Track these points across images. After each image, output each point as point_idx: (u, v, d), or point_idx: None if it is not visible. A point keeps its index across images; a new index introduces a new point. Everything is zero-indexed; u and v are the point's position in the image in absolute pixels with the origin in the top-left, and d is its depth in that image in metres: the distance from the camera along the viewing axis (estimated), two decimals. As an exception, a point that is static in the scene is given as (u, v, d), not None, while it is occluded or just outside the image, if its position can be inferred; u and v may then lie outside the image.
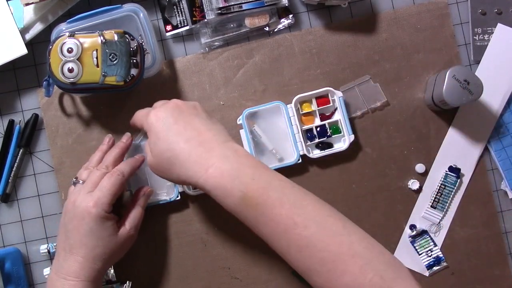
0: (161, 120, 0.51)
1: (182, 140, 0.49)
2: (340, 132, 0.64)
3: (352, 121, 0.65)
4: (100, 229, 0.53)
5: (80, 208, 0.54)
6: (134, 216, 0.58)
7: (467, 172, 0.65)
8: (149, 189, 0.60)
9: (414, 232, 0.64)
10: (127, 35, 0.58)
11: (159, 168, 0.51)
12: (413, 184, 0.65)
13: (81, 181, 0.57)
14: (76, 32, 0.58)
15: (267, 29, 0.66)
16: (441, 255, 0.64)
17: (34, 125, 0.65)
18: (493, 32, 0.66)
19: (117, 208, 0.58)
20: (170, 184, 0.63)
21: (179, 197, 0.63)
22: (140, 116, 0.56)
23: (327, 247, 0.44)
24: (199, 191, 0.63)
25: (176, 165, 0.49)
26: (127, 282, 0.64)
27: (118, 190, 0.55)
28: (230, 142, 0.50)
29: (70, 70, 0.57)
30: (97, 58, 0.57)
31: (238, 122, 0.63)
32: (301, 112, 0.65)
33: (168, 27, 0.66)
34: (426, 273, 0.64)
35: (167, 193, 0.63)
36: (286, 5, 0.65)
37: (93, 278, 0.53)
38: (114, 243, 0.55)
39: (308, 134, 0.64)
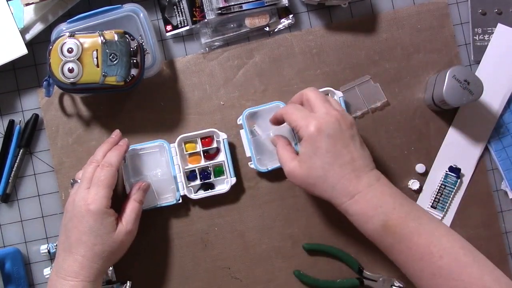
0: (322, 136, 0.51)
1: (338, 163, 0.51)
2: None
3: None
4: (99, 226, 0.53)
5: (78, 207, 0.54)
6: (129, 210, 0.57)
7: (467, 172, 0.65)
8: (145, 183, 0.60)
9: (414, 232, 0.64)
10: (127, 35, 0.58)
11: (304, 180, 0.53)
12: (413, 184, 0.65)
13: (78, 180, 0.57)
14: (76, 32, 0.58)
15: (267, 29, 0.66)
16: (441, 255, 0.64)
17: (34, 125, 0.65)
18: (493, 32, 0.66)
19: (118, 206, 0.58)
20: (173, 188, 0.63)
21: (180, 201, 0.63)
22: (298, 117, 0.53)
23: (459, 277, 0.46)
24: (201, 195, 0.63)
25: (325, 183, 0.52)
26: (127, 282, 0.64)
27: (111, 182, 0.55)
28: (374, 170, 0.53)
29: (70, 70, 0.57)
30: (97, 58, 0.57)
31: (238, 122, 0.63)
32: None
33: (168, 27, 0.66)
34: (426, 273, 0.64)
35: (170, 196, 0.63)
36: (286, 5, 0.65)
37: (92, 278, 0.53)
38: (113, 240, 0.54)
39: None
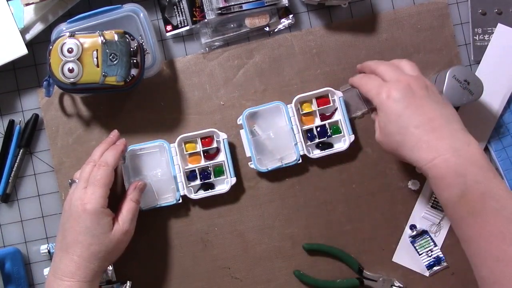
0: (393, 102, 0.52)
1: (412, 126, 0.50)
2: (341, 132, 0.64)
3: (352, 121, 0.65)
4: (95, 226, 0.53)
5: (75, 206, 0.54)
6: (126, 210, 0.57)
7: (467, 172, 0.65)
8: (141, 183, 0.60)
9: (415, 232, 0.64)
10: (127, 35, 0.58)
11: (388, 147, 0.54)
12: (413, 184, 0.65)
13: (76, 180, 0.57)
14: (76, 32, 0.58)
15: (267, 29, 0.66)
16: (442, 255, 0.64)
17: (34, 125, 0.65)
18: (493, 32, 0.66)
19: (115, 206, 0.58)
20: (173, 188, 0.63)
21: (180, 201, 0.63)
22: (370, 87, 0.55)
23: None
24: (200, 194, 0.63)
25: (404, 147, 0.51)
26: (127, 282, 0.64)
27: (108, 181, 0.55)
28: (462, 131, 0.50)
29: (70, 70, 0.57)
30: (97, 58, 0.57)
31: (238, 122, 0.63)
32: (301, 112, 0.65)
33: (168, 27, 0.66)
34: (427, 273, 0.64)
35: (170, 196, 0.63)
36: (286, 5, 0.65)
37: (89, 278, 0.53)
38: (109, 240, 0.54)
39: (308, 134, 0.64)
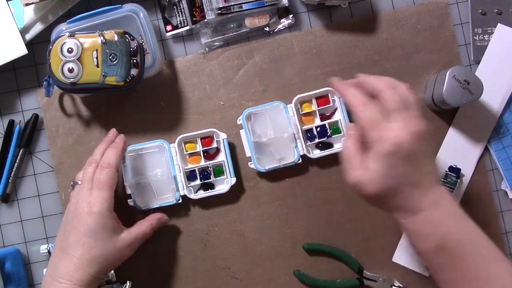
0: (398, 156, 0.47)
1: (410, 183, 0.48)
2: (341, 132, 0.64)
3: (352, 121, 0.65)
4: (99, 229, 0.53)
5: (80, 208, 0.53)
6: (142, 229, 0.58)
7: (467, 172, 0.65)
8: (166, 218, 0.62)
9: (414, 232, 0.64)
10: (127, 35, 0.58)
11: (371, 195, 0.49)
12: (413, 184, 0.65)
13: (79, 182, 0.57)
14: (76, 32, 0.58)
15: (267, 29, 0.66)
16: (441, 255, 0.64)
17: (34, 125, 0.65)
18: (493, 32, 0.66)
19: (117, 207, 0.57)
20: (173, 188, 0.63)
21: (180, 201, 0.63)
22: (370, 126, 0.49)
23: None
24: (200, 194, 0.63)
25: (391, 200, 0.49)
26: (127, 282, 0.64)
27: (112, 183, 0.55)
28: (439, 185, 0.49)
29: (70, 70, 0.57)
30: (97, 58, 0.57)
31: (238, 122, 0.63)
32: (301, 112, 0.65)
33: (168, 27, 0.66)
34: (426, 273, 0.64)
35: (170, 197, 0.63)
36: (286, 5, 0.65)
37: (86, 283, 0.52)
38: (113, 246, 0.54)
39: (308, 134, 0.64)
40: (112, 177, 0.55)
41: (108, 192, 0.54)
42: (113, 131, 0.62)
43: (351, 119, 0.65)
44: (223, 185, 0.64)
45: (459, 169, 0.64)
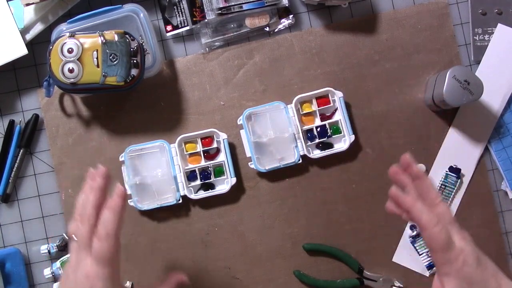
0: (471, 268, 0.45)
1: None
2: (341, 132, 0.64)
3: (352, 121, 0.65)
4: None
5: (81, 283, 0.46)
6: None
7: (468, 172, 0.65)
8: (184, 278, 0.56)
9: (415, 232, 0.64)
10: (127, 36, 0.58)
11: None
12: (414, 184, 0.65)
13: (75, 238, 0.48)
14: (76, 33, 0.58)
15: (267, 29, 0.66)
16: (442, 255, 0.64)
17: (35, 126, 0.65)
18: (493, 32, 0.66)
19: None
20: (173, 188, 0.63)
21: (180, 201, 0.63)
22: (446, 240, 0.46)
23: None
24: (201, 195, 0.63)
25: None
26: (128, 282, 0.64)
27: (114, 255, 0.47)
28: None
29: (71, 71, 0.57)
30: (97, 58, 0.57)
31: (239, 123, 0.63)
32: (301, 112, 0.65)
33: (169, 27, 0.66)
34: (427, 273, 0.64)
35: (170, 197, 0.63)
36: (287, 5, 0.65)
37: None
38: None
39: (308, 134, 0.64)
40: (112, 249, 0.46)
41: (110, 268, 0.46)
42: (100, 171, 0.50)
43: (351, 120, 0.65)
44: (223, 185, 0.64)
45: (460, 169, 0.65)
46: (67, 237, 0.53)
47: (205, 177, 0.63)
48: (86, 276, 0.45)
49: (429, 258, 0.64)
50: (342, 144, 0.64)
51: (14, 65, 0.66)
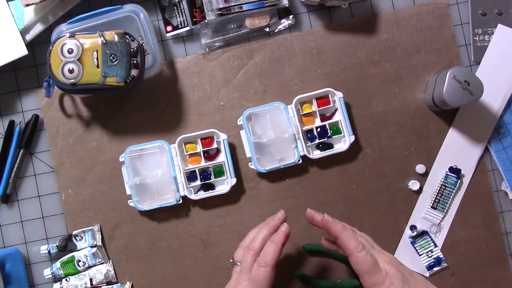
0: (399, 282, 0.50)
1: None
2: (341, 133, 0.64)
3: (352, 121, 0.65)
4: None
5: None
6: None
7: (468, 173, 0.65)
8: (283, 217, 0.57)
9: (415, 233, 0.64)
10: (127, 36, 0.58)
11: None
12: (414, 185, 0.65)
13: (238, 264, 0.55)
14: (76, 33, 0.58)
15: (267, 29, 0.66)
16: (442, 256, 0.64)
17: (35, 126, 0.65)
18: (493, 33, 0.66)
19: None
20: (173, 188, 0.63)
21: (180, 201, 0.63)
22: (367, 264, 0.51)
23: None
24: (201, 195, 0.63)
25: None
26: (128, 282, 0.64)
27: (268, 282, 0.52)
28: None
29: (71, 71, 0.57)
30: (97, 58, 0.57)
31: (239, 123, 0.63)
32: (301, 113, 0.65)
33: (169, 28, 0.66)
34: (427, 274, 0.64)
35: (170, 197, 0.63)
36: (287, 5, 0.65)
37: None
38: None
39: (308, 135, 0.64)
40: (268, 277, 0.52)
41: None
42: (281, 214, 0.57)
43: (351, 120, 0.65)
44: (224, 185, 0.64)
45: (460, 170, 0.65)
46: (231, 261, 0.57)
47: (205, 178, 0.63)
48: None
49: (429, 259, 0.64)
50: (342, 144, 0.64)
51: (14, 66, 0.66)
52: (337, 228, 0.54)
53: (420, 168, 0.65)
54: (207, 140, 0.64)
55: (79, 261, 0.63)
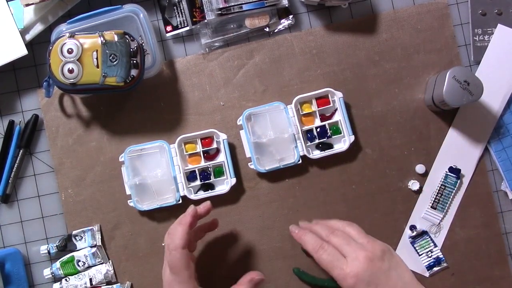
0: (362, 286, 0.52)
1: None
2: (341, 133, 0.64)
3: (352, 121, 0.65)
4: None
5: (165, 281, 0.55)
6: None
7: (467, 173, 0.65)
8: (258, 278, 0.57)
9: (414, 233, 0.64)
10: (127, 36, 0.58)
11: None
12: (413, 185, 0.65)
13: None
14: (76, 33, 0.58)
15: (267, 29, 0.66)
16: (441, 256, 0.64)
17: (34, 126, 0.65)
18: (493, 33, 0.66)
19: None
20: (173, 188, 0.63)
21: (180, 201, 0.63)
22: (329, 265, 0.54)
23: None
24: (200, 195, 0.63)
25: None
26: (127, 282, 0.64)
27: (182, 264, 0.53)
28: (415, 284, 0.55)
29: (70, 71, 0.57)
30: (97, 58, 0.57)
31: (239, 123, 0.63)
32: (301, 113, 0.65)
33: (168, 28, 0.66)
34: (426, 274, 0.64)
35: (170, 197, 0.63)
36: (286, 5, 0.65)
37: None
38: None
39: (308, 135, 0.65)
40: (181, 258, 0.52)
41: (181, 276, 0.52)
42: (206, 204, 0.58)
43: (351, 120, 0.65)
44: (223, 185, 0.64)
45: (459, 170, 0.65)
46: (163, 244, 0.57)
47: (205, 178, 0.63)
48: (167, 282, 0.54)
49: (429, 259, 0.64)
50: (342, 144, 0.64)
51: (14, 66, 0.66)
52: (296, 236, 0.59)
53: (420, 168, 0.65)
54: (207, 140, 0.64)
55: (79, 261, 0.63)
